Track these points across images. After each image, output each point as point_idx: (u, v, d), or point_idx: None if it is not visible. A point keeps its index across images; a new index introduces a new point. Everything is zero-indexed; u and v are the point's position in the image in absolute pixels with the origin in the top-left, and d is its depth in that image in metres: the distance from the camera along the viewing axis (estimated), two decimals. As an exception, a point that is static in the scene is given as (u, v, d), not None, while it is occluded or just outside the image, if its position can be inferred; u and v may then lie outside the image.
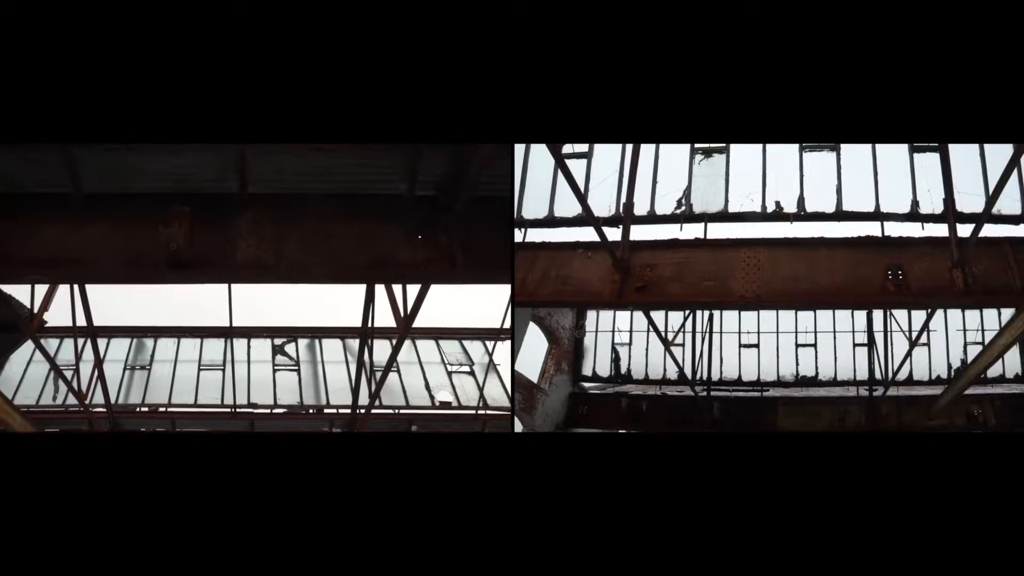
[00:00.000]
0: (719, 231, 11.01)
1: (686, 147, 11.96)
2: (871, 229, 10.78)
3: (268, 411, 15.42)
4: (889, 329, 16.47)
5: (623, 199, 10.87)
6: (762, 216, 11.17)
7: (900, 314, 16.22)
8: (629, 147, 11.29)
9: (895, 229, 10.73)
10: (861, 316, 17.54)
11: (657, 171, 11.85)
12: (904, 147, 11.57)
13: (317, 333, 17.30)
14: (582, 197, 9.29)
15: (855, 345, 17.68)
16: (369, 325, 12.07)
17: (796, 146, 11.70)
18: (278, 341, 17.10)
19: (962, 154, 10.76)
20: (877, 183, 11.28)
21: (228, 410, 15.24)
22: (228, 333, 16.47)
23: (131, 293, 19.72)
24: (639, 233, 10.79)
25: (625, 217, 10.52)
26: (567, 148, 11.53)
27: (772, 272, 9.90)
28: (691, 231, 11.08)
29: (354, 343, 16.03)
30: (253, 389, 15.78)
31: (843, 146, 11.74)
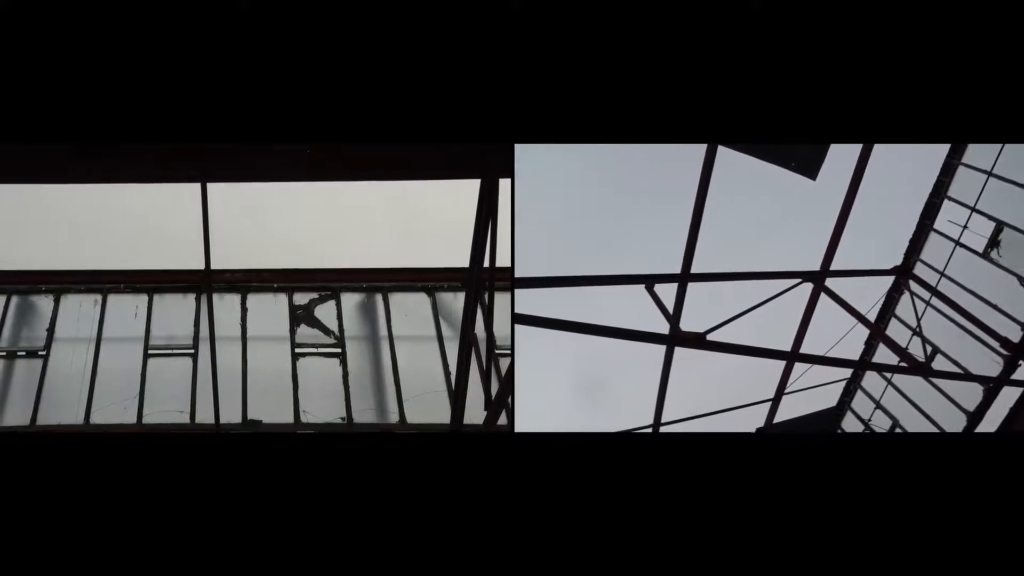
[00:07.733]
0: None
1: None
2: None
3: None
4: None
5: None
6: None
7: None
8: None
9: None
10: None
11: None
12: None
13: (380, 280, 9.81)
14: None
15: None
16: (486, 260, 7.10)
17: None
18: (301, 298, 9.72)
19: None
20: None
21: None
22: (203, 282, 9.21)
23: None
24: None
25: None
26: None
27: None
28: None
29: (453, 300, 9.61)
30: (253, 394, 8.97)
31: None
